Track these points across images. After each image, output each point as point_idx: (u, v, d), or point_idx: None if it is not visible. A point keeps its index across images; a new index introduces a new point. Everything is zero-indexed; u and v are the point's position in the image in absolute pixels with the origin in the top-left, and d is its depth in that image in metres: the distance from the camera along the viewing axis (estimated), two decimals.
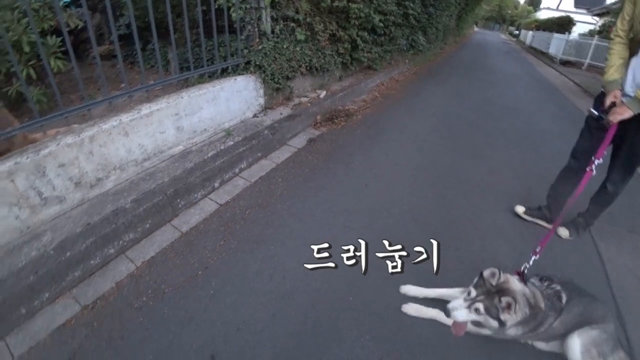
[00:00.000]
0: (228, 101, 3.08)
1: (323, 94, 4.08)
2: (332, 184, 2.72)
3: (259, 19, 3.36)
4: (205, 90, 2.86)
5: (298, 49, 3.66)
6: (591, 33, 15.29)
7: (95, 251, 2.02)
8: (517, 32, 38.12)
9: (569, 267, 2.17)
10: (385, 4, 4.62)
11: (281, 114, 3.49)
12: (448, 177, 2.96)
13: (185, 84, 3.02)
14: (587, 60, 12.55)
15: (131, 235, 2.18)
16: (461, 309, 1.37)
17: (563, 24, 19.75)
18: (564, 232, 2.39)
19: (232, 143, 2.91)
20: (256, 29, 3.34)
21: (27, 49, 2.39)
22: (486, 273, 1.37)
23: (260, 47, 3.33)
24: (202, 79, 3.10)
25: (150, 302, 1.81)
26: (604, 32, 13.71)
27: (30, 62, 2.53)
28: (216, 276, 1.95)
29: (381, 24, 4.61)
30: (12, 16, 2.39)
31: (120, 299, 1.85)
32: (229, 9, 3.20)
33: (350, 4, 4.04)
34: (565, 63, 13.53)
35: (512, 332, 1.43)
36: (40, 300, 1.81)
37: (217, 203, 2.52)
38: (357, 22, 4.26)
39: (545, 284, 1.53)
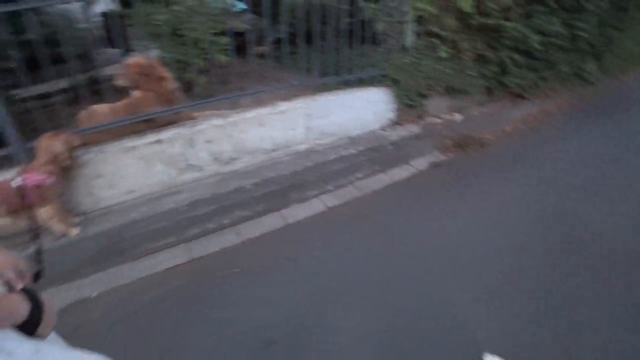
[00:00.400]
0: (358, 110, 3.14)
1: (459, 117, 3.80)
2: (442, 216, 2.45)
3: (402, 33, 3.35)
4: (338, 97, 2.99)
5: (438, 66, 3.50)
6: None
7: (214, 217, 2.30)
8: None
9: None
10: (548, 23, 4.04)
11: (409, 131, 3.38)
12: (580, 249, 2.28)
13: (324, 88, 3.20)
14: None
15: (245, 212, 2.40)
16: None
17: None
18: None
19: (354, 151, 2.95)
20: (397, 43, 3.33)
21: (204, 45, 2.91)
22: None
23: (399, 61, 3.31)
24: (338, 86, 3.24)
25: (238, 275, 1.97)
26: None
27: (205, 56, 3.06)
28: (298, 269, 1.99)
29: (539, 47, 4.04)
30: (199, 19, 2.94)
31: (220, 262, 2.06)
32: (373, 21, 3.29)
33: (504, 21, 3.67)
34: None
35: None
36: (162, 244, 2.14)
37: (326, 205, 2.57)
38: (509, 43, 3.84)
39: None
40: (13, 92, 2.65)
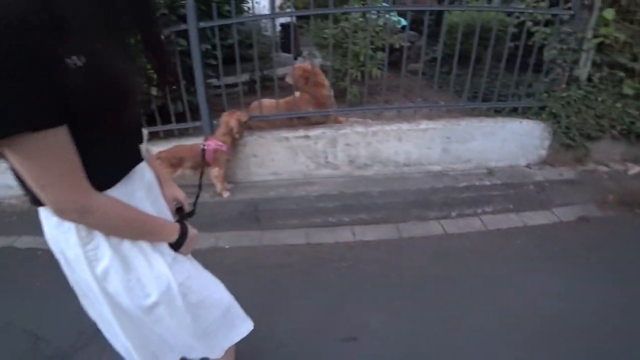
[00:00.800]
0: (503, 141, 2.96)
1: (635, 169, 3.16)
2: (574, 283, 2.08)
3: (575, 62, 2.98)
4: (483, 124, 2.89)
5: (618, 105, 2.99)
6: None
7: (336, 213, 2.57)
8: None
9: None
10: None
11: (561, 174, 3.00)
12: None
13: (470, 113, 3.13)
14: None
15: (364, 216, 2.58)
16: None
17: None
18: None
19: (488, 183, 2.81)
20: (567, 73, 2.98)
21: (361, 58, 3.18)
22: None
23: (564, 94, 2.97)
24: (486, 112, 3.11)
25: (346, 268, 2.17)
26: None
27: (361, 68, 3.33)
28: (402, 281, 2.02)
29: None
30: (362, 35, 3.22)
31: (331, 253, 2.31)
32: (542, 47, 3.02)
33: None
34: None
35: None
36: (287, 223, 2.50)
37: (444, 230, 2.53)
38: None
39: None
40: (210, 81, 3.42)
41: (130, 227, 0.79)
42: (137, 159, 0.83)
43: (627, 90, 3.06)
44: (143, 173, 0.86)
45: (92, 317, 0.98)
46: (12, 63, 0.50)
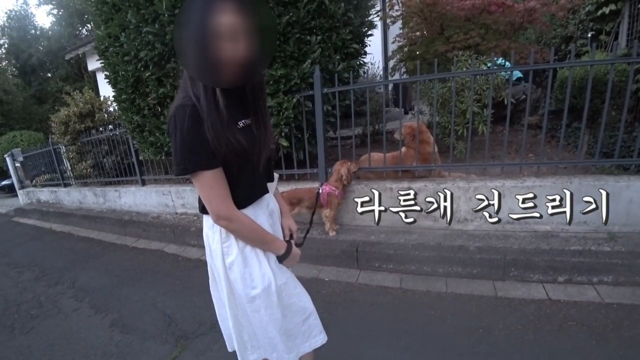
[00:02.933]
0: (631, 203, 2.73)
1: None
2: None
3: None
4: (602, 182, 2.73)
5: None
6: None
7: (431, 263, 2.77)
8: None
9: None
10: None
11: None
12: None
13: (589, 170, 2.98)
14: None
15: (460, 269, 2.69)
16: None
17: None
18: None
19: (608, 249, 2.62)
20: None
21: (468, 116, 3.37)
22: None
23: None
24: (609, 169, 2.92)
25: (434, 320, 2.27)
26: None
27: (467, 125, 3.50)
28: (490, 343, 2.05)
29: None
30: (466, 95, 3.41)
31: (424, 298, 2.44)
32: None
33: None
34: None
35: None
36: (380, 266, 2.73)
37: (547, 296, 2.45)
38: None
39: None
40: (327, 134, 4.06)
41: (253, 235, 1.19)
42: (264, 191, 1.28)
43: None
44: (268, 202, 1.31)
45: (214, 299, 1.41)
46: (197, 131, 1.02)
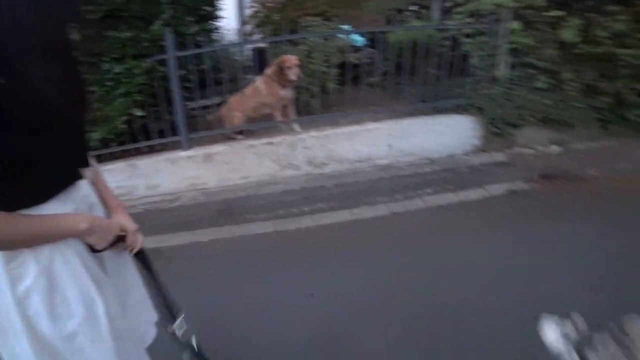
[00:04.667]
0: (441, 134, 3.53)
1: (556, 150, 3.74)
2: (499, 242, 2.58)
3: (494, 65, 3.61)
4: (421, 121, 3.47)
5: (533, 97, 3.60)
6: None
7: (297, 204, 3.07)
8: None
9: None
10: None
11: (492, 158, 3.57)
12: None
13: (412, 113, 3.70)
14: None
15: (322, 205, 3.08)
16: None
17: None
18: None
19: (429, 170, 3.36)
20: (487, 74, 3.61)
21: (318, 75, 3.77)
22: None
23: (486, 91, 3.58)
24: (426, 111, 3.70)
25: (309, 250, 2.61)
26: None
27: (318, 84, 3.91)
28: (357, 254, 2.50)
29: None
30: (317, 55, 3.81)
31: (296, 237, 2.76)
32: (466, 55, 3.66)
33: (618, 49, 3.50)
34: None
35: None
36: (256, 216, 2.96)
37: (391, 210, 3.03)
38: (628, 72, 3.60)
39: None
40: (186, 103, 3.99)
41: (27, 230, 0.72)
42: (74, 177, 0.82)
43: (540, 85, 3.68)
44: (86, 194, 0.86)
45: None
46: None
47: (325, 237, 2.77)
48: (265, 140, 3.34)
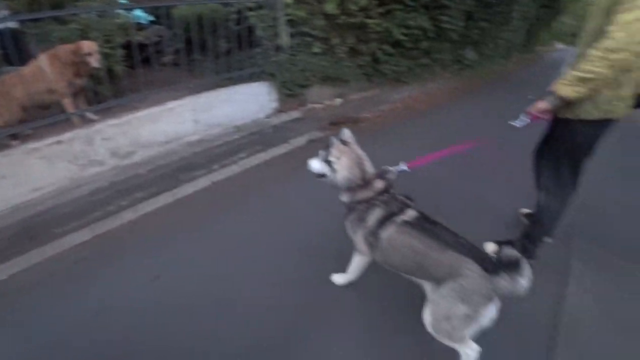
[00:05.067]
0: (242, 103, 3.83)
1: (339, 102, 4.61)
2: (303, 188, 3.14)
3: (277, 35, 4.09)
4: (221, 93, 3.66)
5: (313, 60, 4.28)
6: None
7: (113, 200, 2.88)
8: None
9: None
10: (411, 19, 4.97)
11: (291, 116, 4.13)
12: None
13: (211, 86, 3.84)
14: None
15: (141, 194, 3.00)
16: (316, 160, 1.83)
17: None
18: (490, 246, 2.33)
19: (237, 137, 3.64)
20: (273, 44, 4.07)
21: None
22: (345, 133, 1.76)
23: (275, 58, 4.04)
24: (223, 83, 3.89)
25: (135, 242, 2.57)
26: None
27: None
28: (185, 232, 2.63)
29: (405, 39, 4.97)
30: (95, 35, 3.44)
31: (119, 234, 2.64)
32: (252, 28, 4.00)
33: (367, 19, 4.53)
34: None
35: (345, 198, 1.76)
36: (68, 227, 2.68)
37: (212, 181, 3.22)
38: (376, 37, 4.72)
39: (402, 197, 1.71)
40: None
41: None
42: None
43: (315, 50, 4.37)
44: None
45: None
46: None
47: (152, 225, 2.75)
48: (51, 139, 2.92)
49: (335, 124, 4.25)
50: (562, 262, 2.36)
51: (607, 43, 1.53)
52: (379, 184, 1.72)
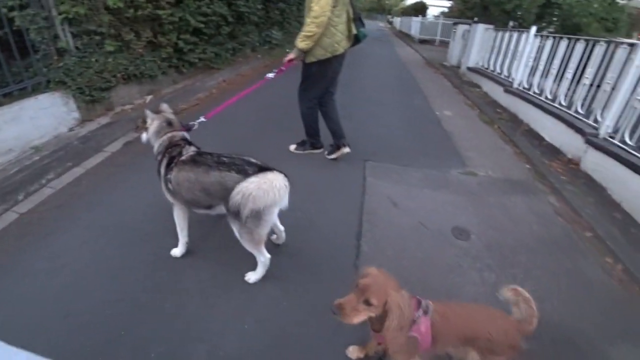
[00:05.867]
0: (33, 119, 3.43)
1: (150, 98, 4.55)
2: (139, 176, 3.19)
3: (55, 37, 3.72)
4: (2, 113, 3.20)
5: (110, 59, 4.08)
6: (444, 15, 17.79)
7: None
8: (392, 19, 43.06)
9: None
10: (207, 6, 5.16)
11: (99, 123, 3.92)
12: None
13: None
14: (438, 37, 15.17)
15: None
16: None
17: (418, 9, 23.64)
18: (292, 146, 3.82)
19: (38, 158, 3.29)
20: (52, 47, 3.70)
21: None
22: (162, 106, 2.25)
23: (60, 64, 3.70)
24: (4, 101, 3.40)
25: None
26: (447, 13, 16.51)
27: None
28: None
29: (203, 25, 5.15)
30: None
31: None
32: (27, 30, 3.53)
33: (157, 10, 4.51)
34: (423, 42, 16.03)
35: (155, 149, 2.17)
36: None
37: (18, 213, 2.90)
38: (174, 27, 4.76)
39: (184, 142, 2.13)
40: None
41: None
42: None
43: (109, 48, 4.14)
44: None
45: None
46: None
47: None
48: None
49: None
50: (360, 178, 3.46)
51: (312, 13, 2.86)
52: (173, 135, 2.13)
